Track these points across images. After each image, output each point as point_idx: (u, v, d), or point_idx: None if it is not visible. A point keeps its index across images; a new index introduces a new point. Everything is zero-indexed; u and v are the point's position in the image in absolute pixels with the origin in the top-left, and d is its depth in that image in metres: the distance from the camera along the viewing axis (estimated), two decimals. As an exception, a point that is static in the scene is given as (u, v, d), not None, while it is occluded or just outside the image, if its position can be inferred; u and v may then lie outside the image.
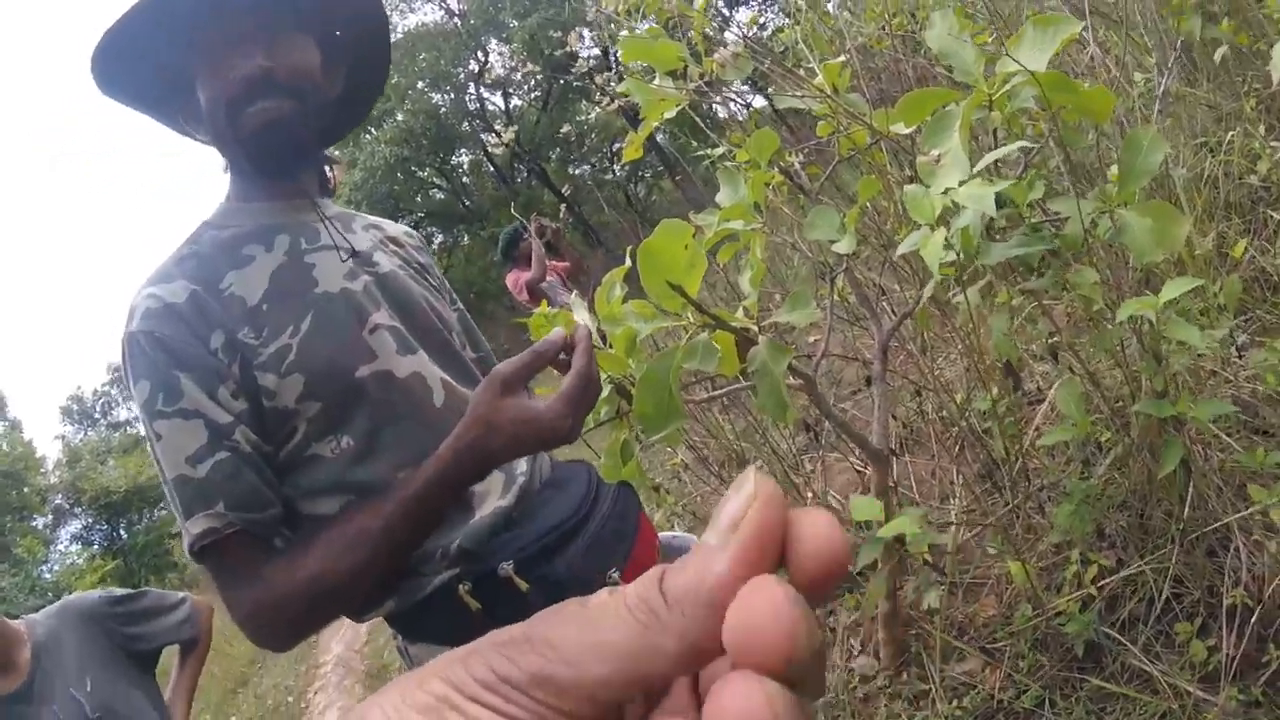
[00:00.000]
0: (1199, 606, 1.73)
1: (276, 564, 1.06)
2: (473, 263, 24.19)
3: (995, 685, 1.94)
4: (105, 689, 1.94)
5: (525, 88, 21.80)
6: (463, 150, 23.65)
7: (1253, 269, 2.24)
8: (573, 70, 20.53)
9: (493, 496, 1.18)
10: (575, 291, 1.68)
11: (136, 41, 1.15)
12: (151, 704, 2.06)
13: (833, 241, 1.40)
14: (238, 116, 1.14)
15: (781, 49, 2.60)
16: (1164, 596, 1.75)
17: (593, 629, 0.25)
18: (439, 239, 25.30)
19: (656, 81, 1.56)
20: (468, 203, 24.08)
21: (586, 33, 18.58)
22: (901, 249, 1.13)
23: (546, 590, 1.08)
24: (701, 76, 1.53)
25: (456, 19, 20.96)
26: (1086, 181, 1.58)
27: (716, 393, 1.50)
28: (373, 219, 1.40)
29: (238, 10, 1.13)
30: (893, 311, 2.15)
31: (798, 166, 1.87)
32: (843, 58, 1.48)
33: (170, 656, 2.30)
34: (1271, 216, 2.21)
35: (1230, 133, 2.35)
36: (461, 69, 21.27)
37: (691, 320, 1.27)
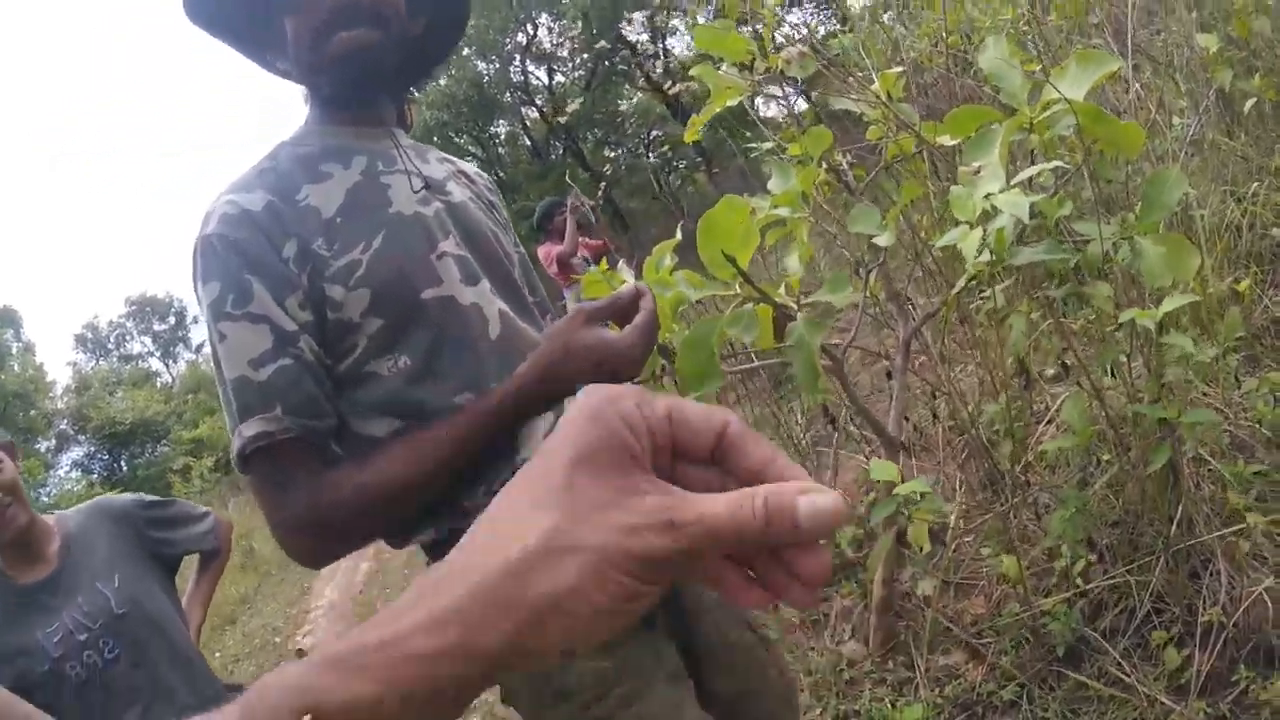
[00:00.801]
0: (1177, 623, 1.83)
1: (327, 473, 1.07)
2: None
3: (978, 678, 2.06)
4: (132, 585, 1.99)
5: (570, 65, 21.84)
6: (501, 121, 23.70)
7: (1265, 317, 2.34)
8: (621, 54, 20.62)
9: (536, 437, 1.18)
10: (622, 260, 1.79)
11: None
12: (174, 606, 2.11)
13: (872, 237, 1.52)
14: (324, 42, 1.16)
15: (835, 54, 2.71)
16: (1145, 609, 1.86)
17: (717, 526, 0.38)
18: None
19: (724, 70, 1.68)
20: (501, 174, 24.17)
21: (639, 17, 18.63)
22: (942, 242, 1.25)
23: None
24: (766, 70, 1.65)
25: None
26: (1111, 211, 1.68)
27: (751, 365, 1.61)
28: (447, 156, 1.42)
29: None
30: (916, 317, 2.26)
31: (845, 165, 1.99)
32: (899, 69, 1.59)
33: (187, 568, 2.37)
34: (1288, 265, 2.31)
35: (1258, 184, 2.45)
36: (509, 39, 21.33)
37: (738, 291, 1.39)
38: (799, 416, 3.76)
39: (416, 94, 1.50)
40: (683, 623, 1.27)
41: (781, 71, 1.63)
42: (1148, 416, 1.61)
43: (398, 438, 1.10)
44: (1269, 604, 1.69)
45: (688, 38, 20.49)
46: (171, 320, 51.76)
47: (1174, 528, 1.79)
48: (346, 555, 1.12)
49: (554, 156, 23.69)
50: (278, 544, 1.08)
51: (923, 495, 1.44)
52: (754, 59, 1.58)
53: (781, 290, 1.50)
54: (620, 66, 21.52)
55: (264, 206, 1.11)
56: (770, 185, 1.70)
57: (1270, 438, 1.88)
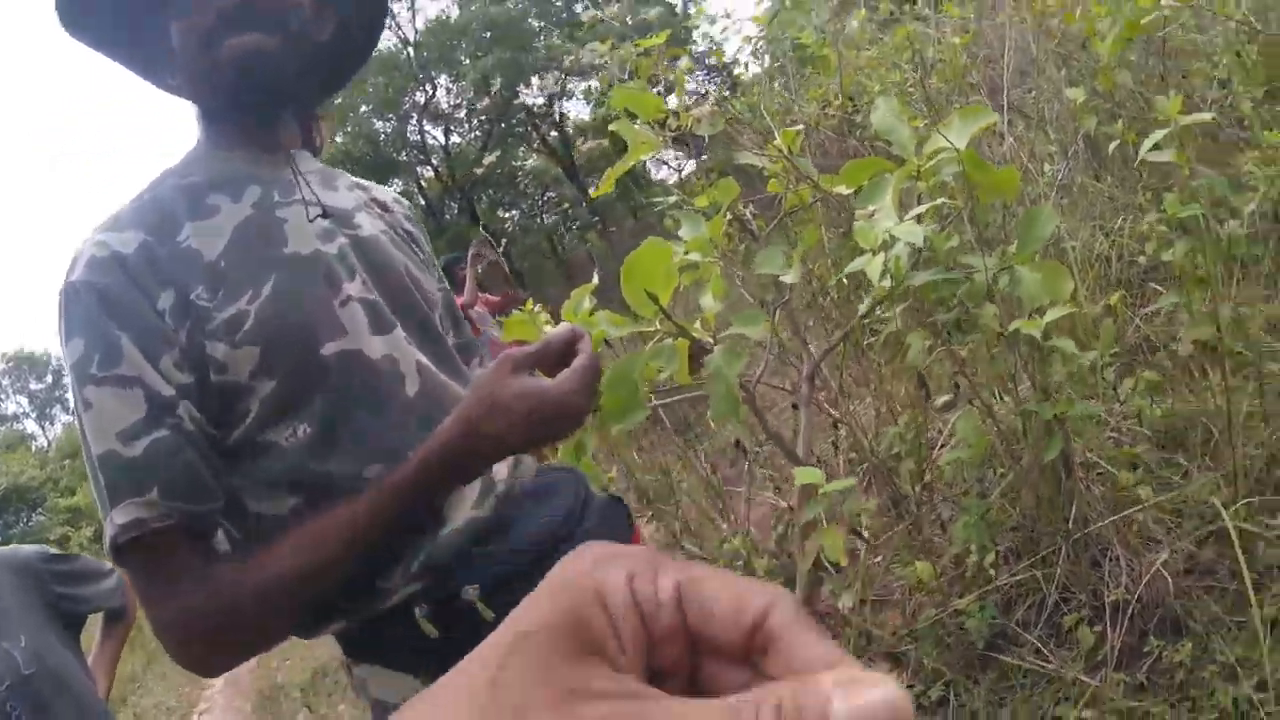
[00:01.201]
0: (1085, 607, 1.98)
1: (219, 566, 0.93)
2: None
3: (904, 682, 2.17)
4: (39, 644, 1.86)
5: (467, 126, 22.08)
6: (396, 180, 23.73)
7: (1137, 335, 2.57)
8: (518, 116, 20.91)
9: (465, 505, 1.05)
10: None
11: None
12: (81, 665, 1.99)
13: (776, 278, 1.64)
14: (214, 49, 1.01)
15: (735, 115, 2.91)
16: (1054, 599, 2.01)
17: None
18: None
19: (638, 127, 1.80)
20: (396, 233, 24.07)
21: (536, 81, 18.98)
22: (849, 269, 1.38)
23: None
24: (678, 128, 1.77)
25: (409, 49, 21.18)
26: (991, 247, 1.87)
27: (671, 399, 1.71)
28: (360, 180, 1.27)
29: None
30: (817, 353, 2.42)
31: (749, 215, 2.13)
32: (799, 127, 1.75)
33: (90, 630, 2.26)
34: (1155, 290, 2.56)
35: (1122, 219, 2.71)
36: (408, 99, 21.44)
37: (659, 327, 1.49)
38: (703, 459, 3.88)
39: (325, 109, 1.24)
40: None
41: (690, 129, 1.76)
42: (1037, 424, 1.78)
43: (300, 518, 0.96)
44: (1168, 578, 1.85)
45: (583, 102, 20.96)
46: (49, 379, 49.32)
47: (1070, 524, 1.95)
48: (246, 660, 0.95)
49: (449, 216, 23.75)
50: (165, 649, 0.92)
51: (845, 494, 1.55)
52: (667, 117, 1.70)
53: (698, 326, 1.60)
54: (517, 129, 21.83)
55: (137, 248, 0.96)
56: (681, 233, 1.82)
57: (1150, 435, 2.07)
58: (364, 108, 21.54)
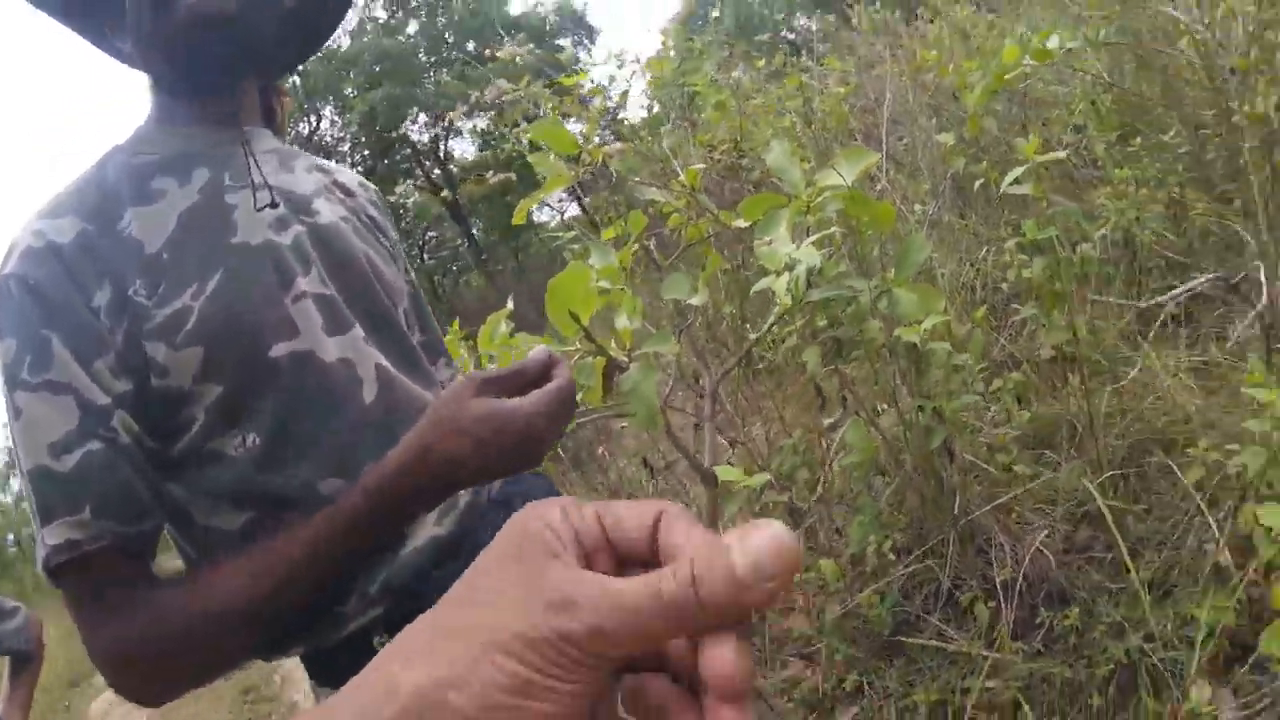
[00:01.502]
0: (977, 591, 2.18)
1: (160, 589, 0.86)
2: None
3: (819, 679, 2.33)
4: None
5: (351, 160, 21.87)
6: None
7: (1002, 353, 2.83)
8: (403, 152, 20.79)
9: (426, 522, 0.99)
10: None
11: None
12: None
13: (681, 302, 1.81)
14: (170, 7, 0.91)
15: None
16: (948, 586, 2.21)
17: (625, 601, 0.32)
18: None
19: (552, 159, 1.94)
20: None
21: (423, 117, 18.97)
22: (757, 288, 1.54)
23: None
24: (590, 163, 1.93)
25: (295, 79, 20.89)
26: (871, 274, 2.08)
27: (589, 417, 1.84)
28: (322, 161, 1.18)
29: None
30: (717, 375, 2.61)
31: (651, 246, 2.30)
32: (701, 166, 1.92)
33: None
34: (1017, 312, 2.84)
35: (986, 251, 3.00)
36: (292, 129, 21.07)
37: (579, 346, 1.62)
38: (609, 486, 4.00)
39: (289, 81, 1.15)
40: None
41: (603, 163, 1.91)
42: (918, 428, 1.98)
43: (253, 533, 0.90)
44: (1049, 556, 2.07)
45: (468, 141, 21.01)
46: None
47: (955, 515, 2.17)
48: (194, 689, 0.90)
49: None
50: (104, 678, 0.87)
51: (764, 488, 1.71)
52: (580, 152, 1.85)
53: (613, 345, 1.74)
54: (401, 165, 21.71)
55: (74, 238, 0.89)
56: (591, 261, 1.97)
57: (1019, 435, 2.31)
58: None
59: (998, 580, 2.12)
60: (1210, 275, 2.43)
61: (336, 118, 21.06)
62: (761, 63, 5.18)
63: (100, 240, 0.90)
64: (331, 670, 0.99)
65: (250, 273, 0.94)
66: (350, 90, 19.59)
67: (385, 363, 1.01)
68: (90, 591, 0.85)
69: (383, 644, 0.87)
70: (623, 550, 0.36)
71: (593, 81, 3.57)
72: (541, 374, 0.90)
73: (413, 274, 1.24)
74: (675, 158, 4.02)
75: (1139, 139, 2.97)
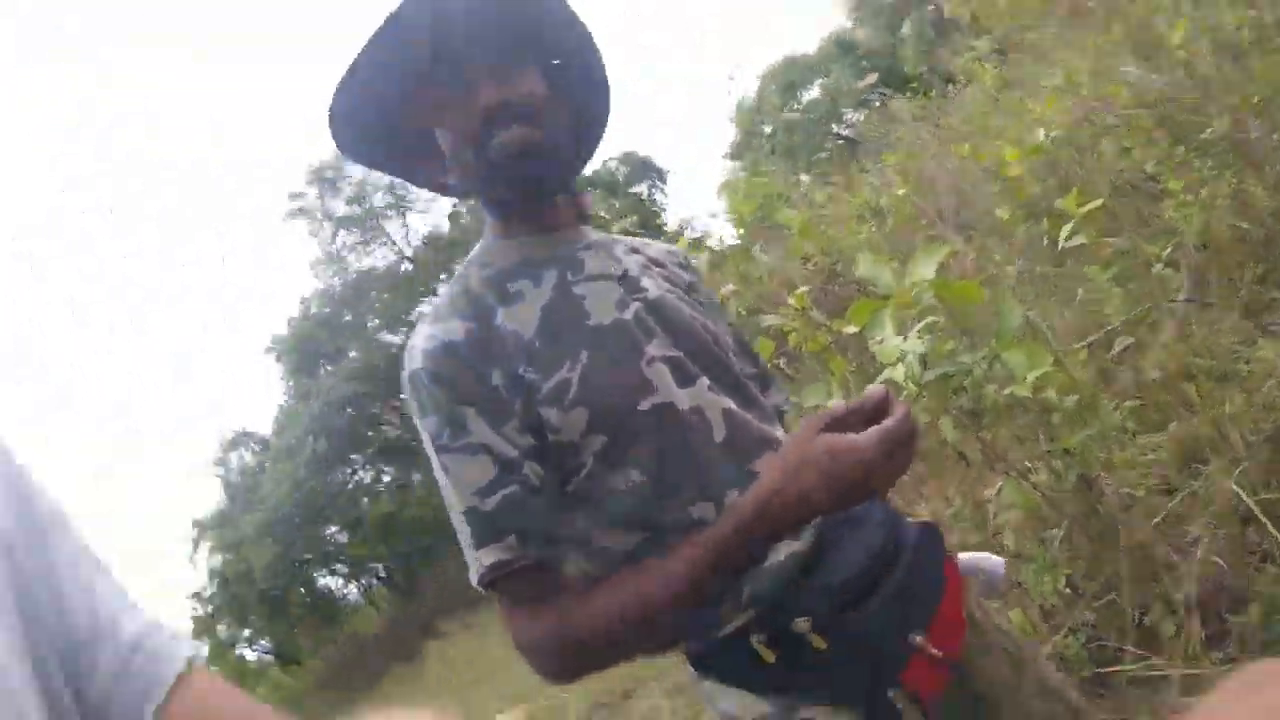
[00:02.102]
0: (1163, 612, 2.22)
1: (567, 598, 1.06)
2: (427, 502, 24.22)
3: None
4: None
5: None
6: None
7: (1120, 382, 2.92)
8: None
9: (786, 539, 1.09)
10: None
11: (367, 100, 1.19)
12: None
13: (823, 404, 2.08)
14: (485, 148, 1.12)
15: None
16: (1134, 615, 2.27)
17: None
18: (389, 475, 25.30)
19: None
20: (418, 440, 24.47)
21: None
22: (880, 379, 1.81)
23: (848, 648, 1.03)
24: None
25: (407, 264, 22.37)
26: (979, 343, 2.31)
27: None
28: (633, 241, 1.36)
29: (469, 53, 1.15)
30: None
31: (781, 364, 2.60)
32: (805, 288, 2.24)
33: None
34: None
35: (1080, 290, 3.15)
36: (414, 312, 22.51)
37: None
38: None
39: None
40: (981, 715, 1.12)
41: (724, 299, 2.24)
42: (1065, 477, 2.15)
43: (642, 551, 1.08)
44: (1220, 563, 2.17)
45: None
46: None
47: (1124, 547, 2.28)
48: (599, 672, 1.12)
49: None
50: (529, 665, 1.09)
51: None
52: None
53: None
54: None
55: (464, 335, 1.10)
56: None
57: (1157, 456, 2.42)
58: (373, 322, 22.91)
59: (1178, 597, 2.19)
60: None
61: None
62: (823, 156, 5.49)
63: (484, 334, 1.10)
64: (714, 665, 1.14)
65: (610, 347, 1.12)
66: (459, 268, 20.89)
67: (730, 404, 1.16)
68: (518, 599, 1.06)
69: (760, 641, 1.06)
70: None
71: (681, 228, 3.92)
72: (877, 411, 0.99)
73: (729, 317, 1.39)
74: (772, 280, 4.37)
75: (1180, 146, 3.12)
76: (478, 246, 1.25)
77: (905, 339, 1.80)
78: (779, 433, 1.20)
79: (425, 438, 1.09)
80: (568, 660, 1.06)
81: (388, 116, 1.20)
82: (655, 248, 1.37)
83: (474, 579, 1.06)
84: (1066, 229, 2.08)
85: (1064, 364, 2.45)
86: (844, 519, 1.14)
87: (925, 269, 1.94)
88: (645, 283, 1.22)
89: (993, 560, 1.34)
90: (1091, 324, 3.17)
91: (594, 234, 1.28)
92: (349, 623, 25.60)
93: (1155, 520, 2.28)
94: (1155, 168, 3.05)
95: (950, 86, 6.20)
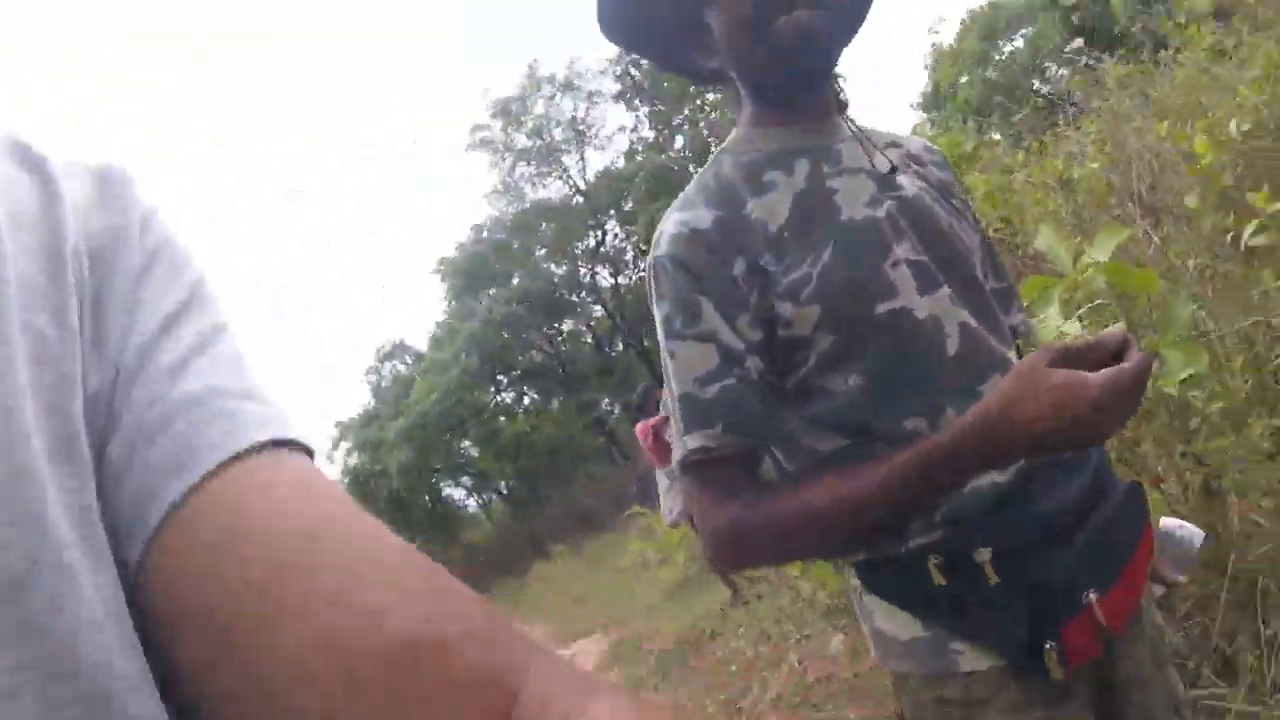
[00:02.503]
0: (1247, 646, 2.22)
1: (764, 491, 1.08)
2: (562, 426, 25.03)
3: None
4: None
5: (635, 267, 23.43)
6: (569, 319, 25.15)
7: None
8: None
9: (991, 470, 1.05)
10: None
11: None
12: None
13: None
14: (766, 30, 1.08)
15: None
16: (1219, 644, 2.28)
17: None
18: (530, 398, 26.35)
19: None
20: (565, 368, 25.51)
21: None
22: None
23: (1018, 590, 1.01)
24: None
25: (580, 197, 22.86)
26: (1142, 330, 2.33)
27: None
28: (893, 135, 1.31)
29: None
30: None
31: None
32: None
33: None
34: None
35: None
36: (580, 244, 23.13)
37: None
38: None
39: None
40: (1110, 701, 1.12)
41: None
42: (1192, 490, 2.15)
43: (845, 456, 1.08)
44: None
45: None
46: None
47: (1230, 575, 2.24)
48: (770, 567, 1.29)
49: (615, 352, 24.90)
50: (705, 550, 1.12)
51: None
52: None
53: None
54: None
55: (712, 223, 1.10)
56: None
57: None
58: (539, 250, 23.60)
59: (1268, 633, 2.16)
60: None
61: (619, 230, 22.94)
62: (1019, 116, 5.27)
63: (733, 223, 1.10)
64: (882, 581, 1.13)
65: (856, 244, 1.09)
66: (629, 205, 21.32)
67: (968, 318, 1.12)
68: (711, 484, 1.08)
69: (936, 565, 1.05)
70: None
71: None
72: (1117, 353, 0.94)
73: (979, 225, 1.33)
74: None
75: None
76: (733, 132, 1.23)
77: (1067, 320, 1.88)
78: (1013, 355, 1.17)
79: (659, 320, 1.12)
80: (739, 551, 1.09)
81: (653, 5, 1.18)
82: (915, 143, 1.33)
83: (675, 458, 1.11)
84: (1252, 226, 2.08)
85: (1220, 368, 2.45)
86: (1054, 459, 1.07)
87: (1102, 251, 2.01)
88: (902, 180, 1.18)
89: (1190, 530, 1.30)
90: (1261, 333, 3.09)
91: (854, 125, 1.23)
92: (465, 532, 27.00)
93: (1267, 549, 2.28)
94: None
95: (1162, 51, 5.86)
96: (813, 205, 1.11)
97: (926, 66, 23.11)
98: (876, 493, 0.98)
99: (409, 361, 28.01)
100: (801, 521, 1.02)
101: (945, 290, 1.11)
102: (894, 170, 1.17)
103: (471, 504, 29.53)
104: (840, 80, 1.24)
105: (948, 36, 21.95)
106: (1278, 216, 2.04)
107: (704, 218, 1.10)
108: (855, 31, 1.26)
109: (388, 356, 28.22)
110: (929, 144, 1.35)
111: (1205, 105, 3.96)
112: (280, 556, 0.40)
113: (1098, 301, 2.00)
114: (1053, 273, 2.15)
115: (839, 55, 1.23)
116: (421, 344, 27.45)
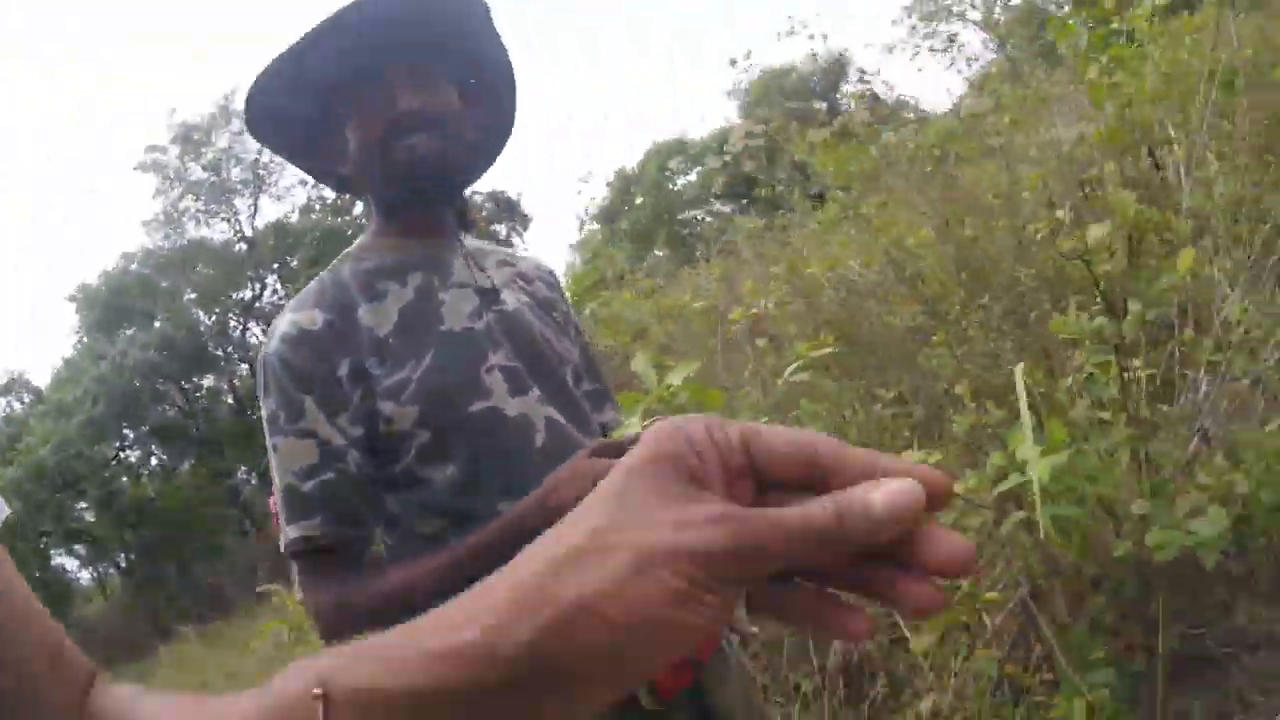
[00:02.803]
0: None
1: (357, 577, 1.15)
2: (193, 492, 22.87)
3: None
4: None
5: (288, 327, 22.27)
6: (210, 374, 23.33)
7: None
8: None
9: None
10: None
11: (288, 88, 1.26)
12: None
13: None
14: (389, 152, 1.20)
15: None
16: None
17: (787, 523, 0.36)
18: (158, 458, 23.88)
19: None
20: (201, 428, 23.55)
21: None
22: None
23: None
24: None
25: (244, 244, 21.45)
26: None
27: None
28: (506, 253, 1.45)
29: (389, 60, 1.22)
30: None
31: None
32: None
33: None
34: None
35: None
36: (235, 294, 21.55)
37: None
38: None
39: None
40: None
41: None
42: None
43: (447, 538, 1.17)
44: None
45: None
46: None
47: None
48: None
49: (257, 416, 23.34)
50: (315, 630, 1.19)
51: None
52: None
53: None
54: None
55: (322, 325, 1.18)
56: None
57: None
58: (190, 294, 21.65)
59: (815, 664, 2.65)
60: None
61: (279, 287, 21.82)
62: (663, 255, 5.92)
63: (342, 327, 1.19)
64: None
65: (455, 352, 1.21)
66: (294, 262, 20.30)
67: (556, 415, 1.25)
68: (313, 571, 1.16)
69: None
70: (771, 474, 0.39)
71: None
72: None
73: (584, 333, 1.50)
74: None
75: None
76: (359, 240, 1.33)
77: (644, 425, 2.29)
78: None
79: (265, 415, 1.19)
80: (344, 627, 1.13)
81: (304, 106, 1.28)
82: (527, 262, 1.47)
83: (281, 546, 1.18)
84: (793, 367, 2.65)
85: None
86: None
87: (677, 377, 2.48)
88: (505, 295, 1.31)
89: None
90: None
91: (472, 242, 1.37)
92: (77, 608, 23.78)
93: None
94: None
95: (783, 214, 6.89)
96: (419, 315, 1.23)
97: (608, 183, 24.73)
98: (464, 560, 1.11)
99: (25, 400, 24.71)
100: (396, 599, 1.11)
101: (535, 392, 1.25)
102: (495, 289, 1.31)
103: (85, 576, 26.05)
104: (480, 199, 1.63)
105: (594, 191, 22.95)
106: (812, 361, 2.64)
107: (315, 319, 1.19)
108: (490, 161, 1.42)
109: (3, 391, 24.61)
110: (540, 263, 1.52)
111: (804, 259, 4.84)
112: None
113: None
114: (643, 389, 2.60)
115: (470, 180, 1.40)
116: (43, 380, 24.46)
